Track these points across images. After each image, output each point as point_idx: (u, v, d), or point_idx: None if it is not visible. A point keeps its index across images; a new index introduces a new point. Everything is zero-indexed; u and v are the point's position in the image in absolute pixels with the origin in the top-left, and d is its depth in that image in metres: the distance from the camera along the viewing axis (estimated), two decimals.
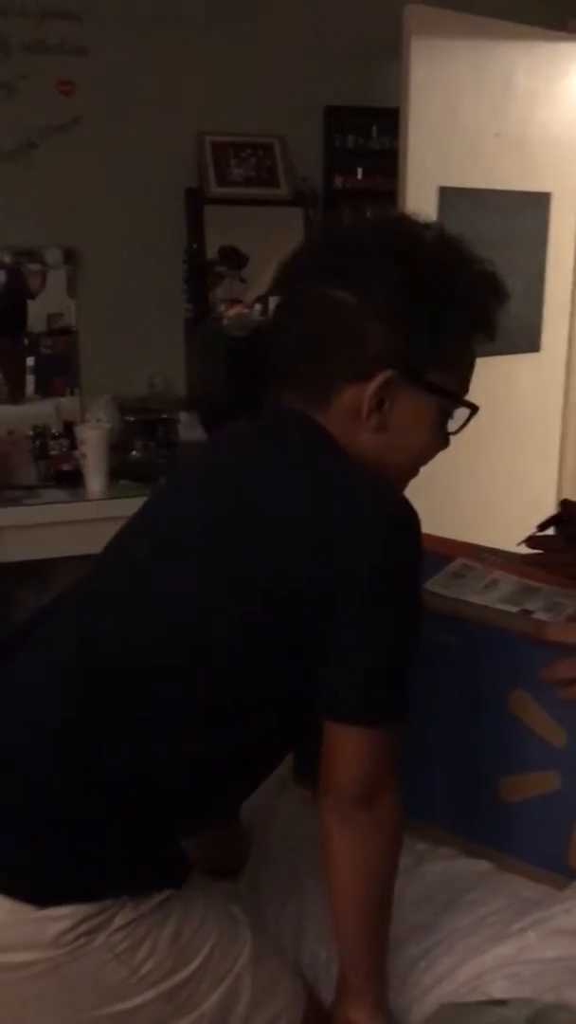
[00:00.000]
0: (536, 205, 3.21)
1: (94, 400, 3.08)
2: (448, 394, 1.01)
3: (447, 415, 1.03)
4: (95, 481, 2.85)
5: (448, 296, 0.98)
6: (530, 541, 1.29)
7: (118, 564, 1.06)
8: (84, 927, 0.90)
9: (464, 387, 1.04)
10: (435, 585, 1.17)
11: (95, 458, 2.84)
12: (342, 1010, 1.04)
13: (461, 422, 1.04)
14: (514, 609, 1.12)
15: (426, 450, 1.04)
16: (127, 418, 3.07)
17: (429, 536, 1.30)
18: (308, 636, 0.92)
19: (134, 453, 2.99)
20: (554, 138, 3.22)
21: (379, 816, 0.96)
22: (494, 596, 1.15)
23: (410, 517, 0.94)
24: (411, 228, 1.02)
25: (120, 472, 2.93)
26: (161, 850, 0.99)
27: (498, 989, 1.03)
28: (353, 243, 1.01)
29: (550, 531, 1.31)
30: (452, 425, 1.04)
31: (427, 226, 1.02)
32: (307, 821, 1.33)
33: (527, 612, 1.11)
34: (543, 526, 1.30)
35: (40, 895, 0.90)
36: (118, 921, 0.92)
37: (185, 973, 0.96)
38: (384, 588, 0.91)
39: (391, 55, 2.98)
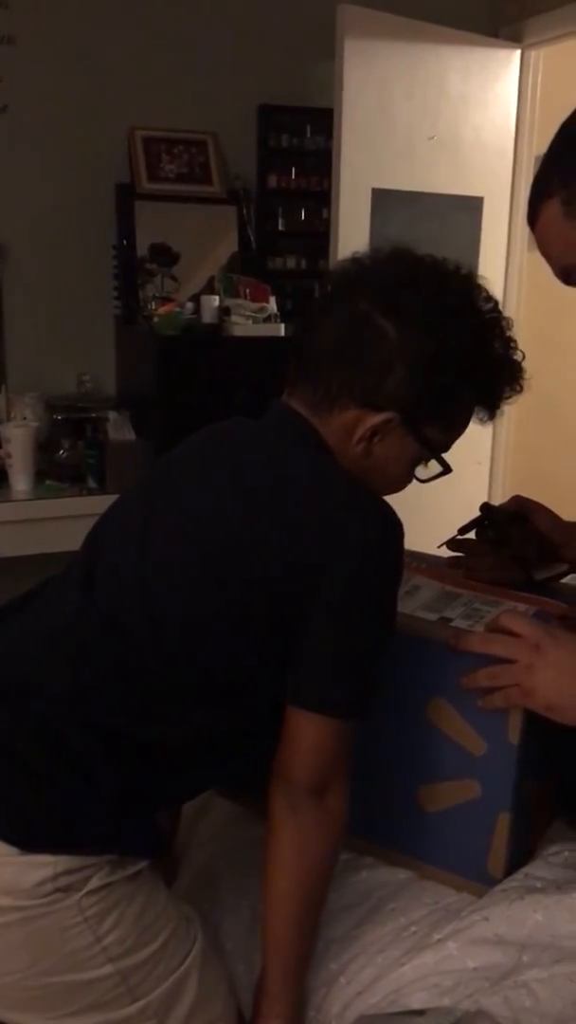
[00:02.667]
0: (468, 209, 3.24)
1: (20, 398, 3.00)
2: (433, 449, 1.05)
3: (421, 461, 1.08)
4: (20, 481, 2.79)
5: (471, 372, 1.02)
6: (451, 544, 1.29)
7: (121, 539, 1.07)
8: (63, 880, 0.91)
9: (449, 445, 1.08)
10: None
11: (21, 457, 2.77)
12: (256, 1017, 1.05)
13: (432, 474, 1.09)
14: (434, 616, 1.11)
15: (396, 484, 1.09)
16: (55, 417, 3.01)
17: None
18: (289, 625, 0.96)
19: (62, 453, 2.93)
20: (486, 143, 3.25)
21: (327, 808, 1.00)
22: (414, 603, 1.14)
23: (394, 526, 0.99)
24: (470, 293, 1.04)
25: (47, 472, 2.87)
26: (144, 818, 1.01)
27: (418, 1000, 1.02)
28: (418, 281, 1.02)
29: (471, 534, 1.30)
30: (423, 472, 1.09)
31: (487, 297, 1.05)
32: (228, 837, 1.32)
33: (446, 620, 1.10)
34: (464, 529, 1.29)
35: (26, 840, 0.91)
36: (93, 883, 0.93)
37: (144, 954, 0.98)
38: (364, 589, 0.96)
39: (326, 55, 2.98)
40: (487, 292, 1.06)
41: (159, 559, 1.01)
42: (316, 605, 0.95)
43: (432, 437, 1.04)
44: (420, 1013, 0.97)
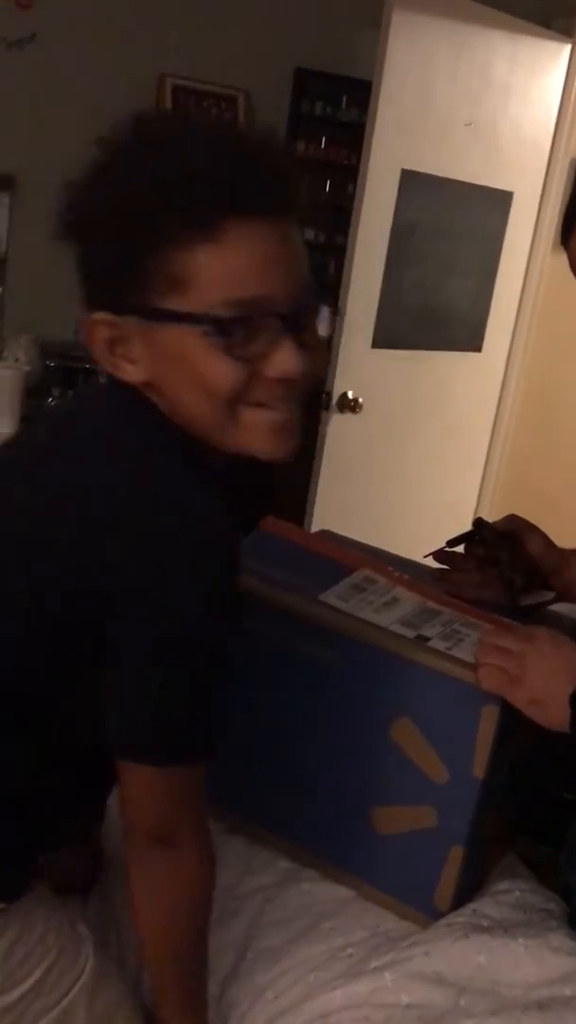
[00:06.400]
0: (497, 203, 3.15)
1: (16, 338, 2.92)
2: (185, 318, 0.78)
3: (228, 335, 0.78)
4: (5, 424, 2.71)
5: (132, 215, 0.79)
6: (438, 555, 1.23)
7: None
8: None
9: (224, 297, 0.78)
10: (332, 597, 1.10)
11: (8, 400, 2.70)
12: None
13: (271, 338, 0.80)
14: (411, 633, 1.05)
15: (215, 385, 0.80)
16: (48, 362, 2.92)
17: (330, 545, 1.23)
18: (95, 653, 0.80)
19: (50, 400, 2.85)
20: (524, 137, 3.15)
21: (177, 861, 0.88)
22: (391, 616, 1.08)
23: (205, 538, 0.78)
24: (129, 136, 0.82)
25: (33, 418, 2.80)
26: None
27: None
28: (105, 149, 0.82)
29: (459, 548, 1.24)
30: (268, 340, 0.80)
31: (152, 125, 0.84)
32: None
33: (424, 638, 1.04)
34: (453, 542, 1.23)
35: None
36: None
37: (14, 995, 0.88)
38: (170, 613, 0.77)
39: (370, 24, 2.87)
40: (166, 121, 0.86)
41: None
42: (119, 632, 0.79)
43: (176, 304, 0.78)
44: None
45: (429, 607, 1.11)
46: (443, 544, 1.24)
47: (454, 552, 1.23)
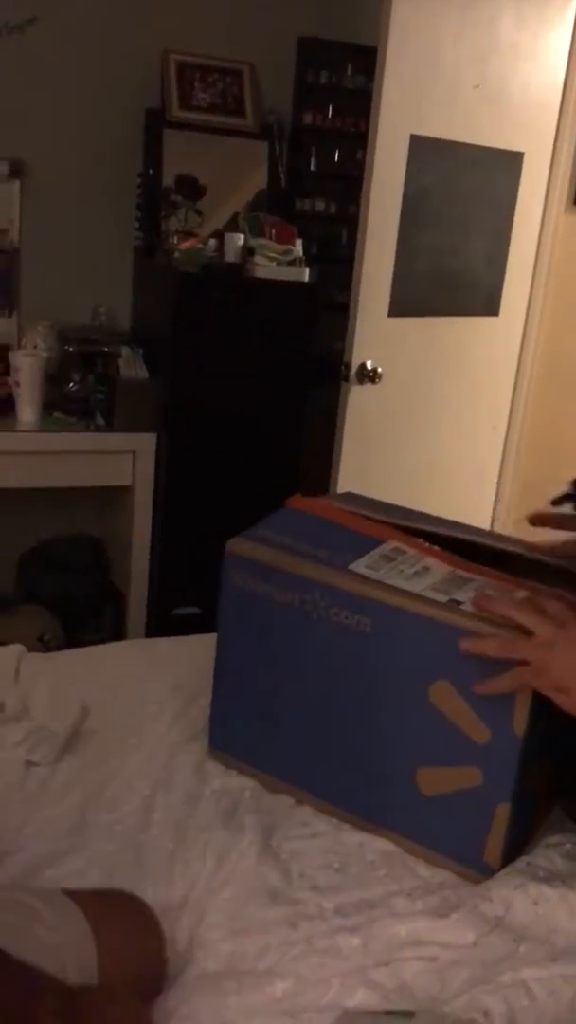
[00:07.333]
0: (508, 164, 3.11)
1: (33, 326, 2.92)
2: None
3: None
4: (27, 411, 2.73)
5: None
6: (537, 519, 1.25)
7: None
8: None
9: None
10: (362, 566, 1.11)
11: (29, 387, 2.71)
12: None
13: None
14: (443, 598, 1.06)
15: None
16: (66, 348, 2.93)
17: (359, 519, 1.24)
18: None
19: (71, 385, 2.86)
20: (533, 96, 3.11)
21: None
22: (423, 583, 1.09)
23: None
24: None
25: (54, 404, 2.81)
26: None
27: (411, 970, 0.97)
28: None
29: (562, 509, 1.26)
30: None
31: None
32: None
33: (456, 603, 1.05)
34: (557, 502, 1.25)
35: None
36: None
37: None
38: None
39: None
40: None
41: None
42: None
43: None
44: (408, 1015, 0.92)
45: (459, 575, 1.12)
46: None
47: (558, 513, 1.25)
